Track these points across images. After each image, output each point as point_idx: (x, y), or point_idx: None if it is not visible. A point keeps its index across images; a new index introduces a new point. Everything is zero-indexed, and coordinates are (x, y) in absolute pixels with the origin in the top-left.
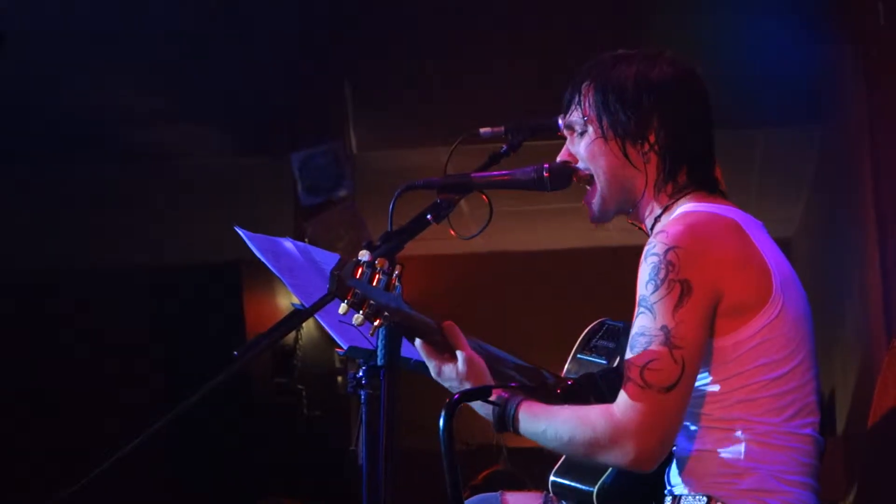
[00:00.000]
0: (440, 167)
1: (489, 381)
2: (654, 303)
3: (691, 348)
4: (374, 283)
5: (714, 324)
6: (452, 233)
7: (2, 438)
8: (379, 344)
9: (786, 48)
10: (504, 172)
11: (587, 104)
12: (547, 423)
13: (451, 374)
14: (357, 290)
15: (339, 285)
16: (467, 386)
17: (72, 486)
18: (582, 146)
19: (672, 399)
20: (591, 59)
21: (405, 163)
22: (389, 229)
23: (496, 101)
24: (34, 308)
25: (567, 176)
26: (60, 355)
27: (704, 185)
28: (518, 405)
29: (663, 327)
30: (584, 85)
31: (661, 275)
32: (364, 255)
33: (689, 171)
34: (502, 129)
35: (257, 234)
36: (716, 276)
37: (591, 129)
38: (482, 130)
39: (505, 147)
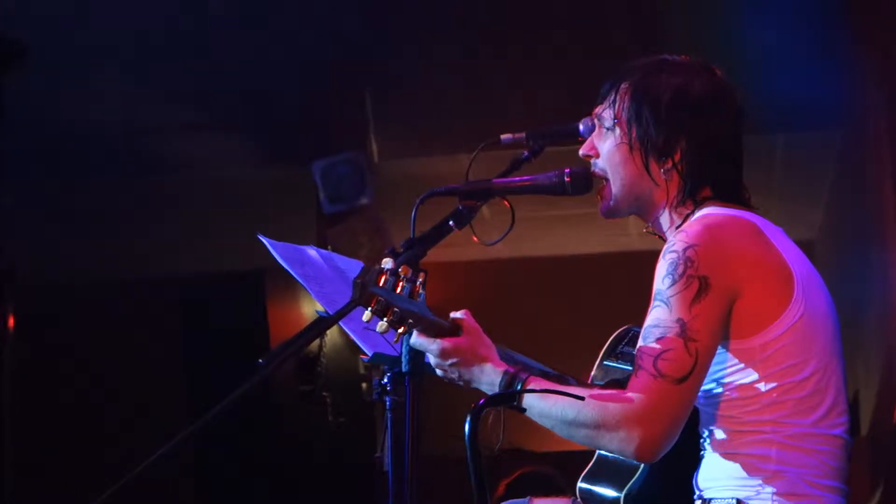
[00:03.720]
0: (462, 174)
1: (494, 354)
2: (671, 296)
3: (705, 343)
4: (398, 291)
5: (737, 326)
6: (475, 239)
7: (29, 442)
8: (403, 350)
9: (807, 55)
10: (526, 178)
11: (621, 106)
12: (555, 399)
13: (440, 348)
14: (381, 298)
15: (363, 293)
16: (474, 363)
17: (98, 496)
18: (606, 145)
19: (683, 391)
20: (636, 59)
21: (427, 170)
22: (412, 236)
23: (517, 108)
24: (61, 318)
25: (588, 181)
26: (85, 364)
27: (727, 199)
28: (525, 381)
29: (679, 320)
30: (622, 85)
31: (680, 270)
32: (387, 263)
33: (711, 189)
34: (523, 135)
35: (280, 242)
36: (734, 276)
37: (618, 131)
38: (503, 137)
39: (526, 153)
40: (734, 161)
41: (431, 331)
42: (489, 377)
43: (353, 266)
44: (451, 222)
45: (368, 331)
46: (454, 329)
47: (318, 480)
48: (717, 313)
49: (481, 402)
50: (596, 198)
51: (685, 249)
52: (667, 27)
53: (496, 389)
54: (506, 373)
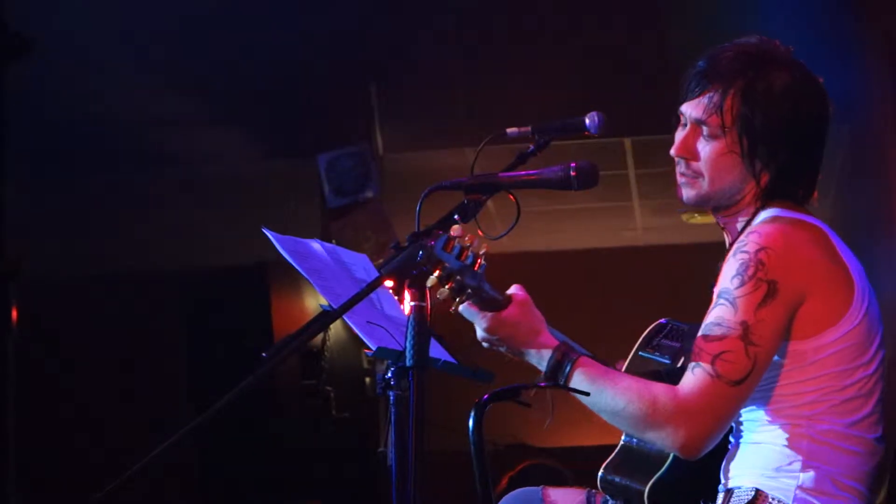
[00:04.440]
0: (467, 168)
1: (545, 328)
2: (738, 297)
3: (766, 348)
4: (463, 259)
5: (796, 328)
6: (480, 233)
7: (32, 438)
8: (407, 344)
9: (814, 48)
10: (531, 172)
11: (731, 114)
12: (605, 385)
13: (491, 321)
14: (447, 265)
15: (430, 258)
16: (525, 336)
17: (101, 490)
18: (709, 150)
19: (737, 393)
20: (725, 50)
21: (432, 164)
22: (417, 230)
23: (522, 102)
24: (64, 310)
25: (594, 175)
26: (89, 356)
27: (797, 198)
28: (576, 361)
29: (743, 322)
30: (731, 87)
31: (750, 272)
32: (456, 231)
33: (794, 191)
34: (529, 129)
35: (285, 235)
36: (802, 282)
37: (728, 139)
38: (509, 131)
39: (532, 147)
40: (819, 165)
41: (486, 304)
42: (538, 351)
43: (357, 260)
44: (456, 216)
45: (372, 325)
46: (507, 302)
47: (322, 475)
48: (782, 319)
49: (485, 397)
50: (682, 185)
51: (757, 251)
52: (673, 23)
53: (544, 364)
54: (556, 350)
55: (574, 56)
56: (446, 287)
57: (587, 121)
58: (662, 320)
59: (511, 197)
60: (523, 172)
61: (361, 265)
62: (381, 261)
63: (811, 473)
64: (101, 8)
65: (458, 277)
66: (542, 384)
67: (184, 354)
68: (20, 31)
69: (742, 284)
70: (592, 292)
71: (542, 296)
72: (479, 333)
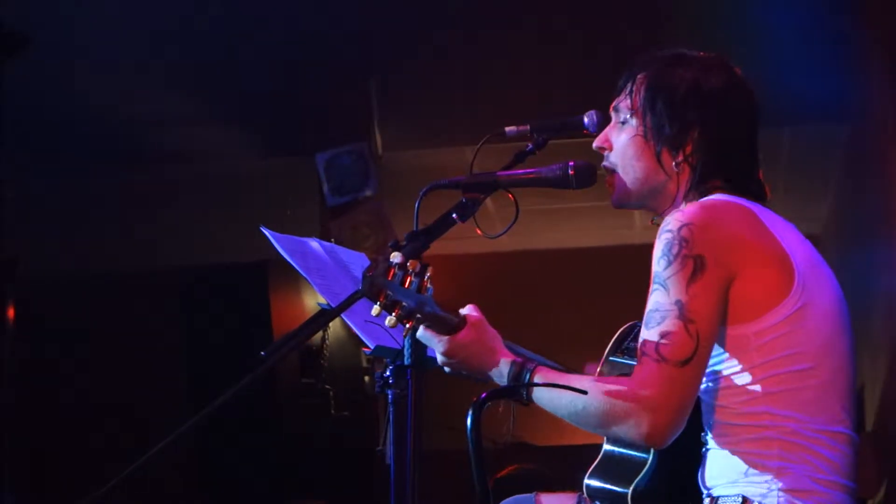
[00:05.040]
0: (466, 166)
1: (501, 345)
2: (668, 278)
3: (705, 323)
4: (407, 285)
5: (734, 311)
6: (478, 232)
7: (29, 438)
8: (406, 343)
9: (814, 48)
10: (529, 171)
11: (637, 97)
12: (562, 390)
13: (448, 344)
14: (389, 293)
15: (372, 287)
16: (481, 355)
17: (100, 488)
18: (621, 138)
19: (687, 373)
20: (652, 51)
21: (430, 162)
22: (415, 229)
23: (521, 100)
24: (63, 309)
25: (592, 174)
26: (87, 356)
27: (735, 191)
28: (534, 370)
29: (677, 301)
30: (639, 76)
31: (675, 250)
32: (396, 258)
33: (721, 183)
34: (528, 127)
35: (283, 234)
36: (729, 255)
37: (634, 122)
38: (508, 129)
39: (530, 145)
40: (746, 156)
41: (439, 326)
42: (497, 368)
43: (355, 258)
44: (454, 215)
45: (370, 324)
46: (461, 324)
47: (320, 474)
48: (715, 291)
49: (483, 395)
50: (608, 189)
51: (680, 228)
52: (673, 22)
53: (504, 380)
54: (514, 363)
55: (574, 56)
56: (393, 315)
57: (586, 119)
58: (632, 322)
59: (510, 196)
60: (522, 171)
61: (360, 264)
62: None
63: (789, 474)
64: (100, 7)
65: (404, 304)
66: (541, 384)
67: (183, 353)
68: (19, 26)
69: (669, 264)
70: (590, 291)
71: (540, 294)
72: (439, 358)
